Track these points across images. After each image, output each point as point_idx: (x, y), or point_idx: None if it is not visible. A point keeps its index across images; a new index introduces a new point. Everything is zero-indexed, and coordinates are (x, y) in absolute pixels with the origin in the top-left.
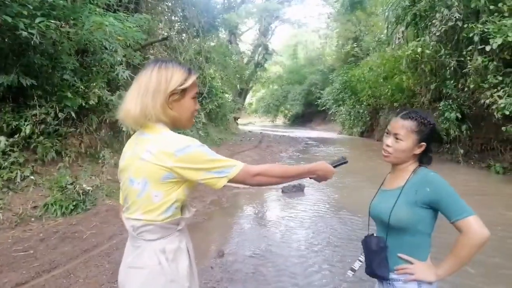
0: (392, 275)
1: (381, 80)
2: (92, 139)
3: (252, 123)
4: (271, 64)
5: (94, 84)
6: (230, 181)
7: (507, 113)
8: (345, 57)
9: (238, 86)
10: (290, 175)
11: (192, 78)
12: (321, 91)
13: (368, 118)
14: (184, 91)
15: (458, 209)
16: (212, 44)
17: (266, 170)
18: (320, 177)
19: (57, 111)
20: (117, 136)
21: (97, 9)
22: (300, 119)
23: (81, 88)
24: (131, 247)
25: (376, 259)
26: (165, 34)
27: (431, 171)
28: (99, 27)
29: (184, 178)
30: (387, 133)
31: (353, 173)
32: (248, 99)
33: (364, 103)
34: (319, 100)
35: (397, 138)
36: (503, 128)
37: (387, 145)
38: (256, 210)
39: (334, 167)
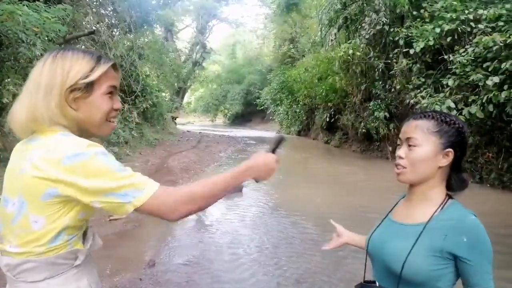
0: None
1: (316, 81)
2: (7, 141)
3: (191, 122)
4: (209, 63)
5: (8, 81)
6: (137, 210)
7: None
8: (282, 58)
9: (175, 84)
10: (222, 189)
11: (102, 68)
12: (260, 91)
13: (304, 118)
14: (91, 86)
15: (485, 280)
16: (146, 40)
17: (190, 195)
18: (261, 173)
19: None
20: None
21: None
22: (240, 119)
23: None
24: None
25: None
26: (93, 27)
27: (470, 212)
28: (11, 17)
29: (71, 198)
30: (399, 144)
31: (289, 171)
32: (186, 98)
33: (301, 103)
34: (258, 100)
35: (410, 145)
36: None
37: (400, 157)
38: (192, 215)
39: (274, 152)
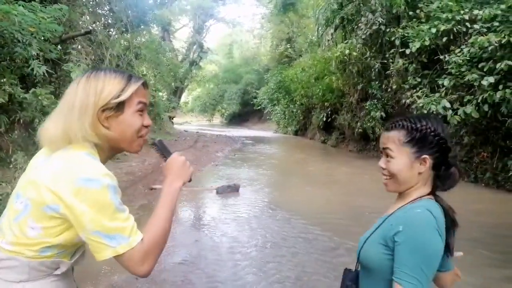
0: None
1: (313, 81)
2: (3, 141)
3: (189, 122)
4: (206, 63)
5: (4, 81)
6: (115, 257)
7: (425, 112)
8: (279, 58)
9: (172, 84)
10: (171, 217)
11: (133, 87)
12: (257, 91)
13: (301, 117)
14: (122, 104)
15: (408, 272)
16: (143, 40)
17: (154, 243)
18: (183, 177)
19: None
20: (33, 137)
21: None
22: (237, 118)
23: None
24: None
25: None
26: (89, 27)
27: (425, 206)
28: (6, 17)
29: (69, 221)
30: (381, 153)
31: (286, 172)
32: (184, 98)
33: (298, 102)
34: (255, 100)
35: (388, 155)
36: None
37: (381, 167)
38: (189, 214)
39: (168, 156)
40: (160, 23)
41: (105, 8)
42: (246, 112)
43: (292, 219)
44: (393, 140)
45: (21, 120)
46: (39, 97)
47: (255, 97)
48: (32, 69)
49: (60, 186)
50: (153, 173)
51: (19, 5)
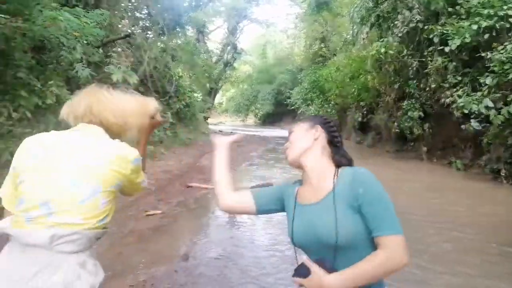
0: None
1: (348, 80)
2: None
3: (223, 122)
4: (240, 63)
5: (51, 83)
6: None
7: (466, 111)
8: (313, 57)
9: (207, 85)
10: None
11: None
12: (291, 91)
13: (336, 117)
14: None
15: (388, 223)
16: (179, 42)
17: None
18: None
19: (11, 111)
20: None
21: (52, 4)
22: (271, 119)
23: (37, 87)
24: (26, 266)
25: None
26: (128, 31)
27: (357, 167)
28: (53, 23)
29: (123, 188)
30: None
31: None
32: (218, 98)
33: (332, 102)
34: (289, 100)
35: (290, 134)
36: (463, 126)
37: (285, 148)
38: (225, 212)
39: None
40: (195, 25)
41: (143, 12)
42: (279, 112)
43: None
44: (298, 125)
45: None
46: None
47: (289, 97)
48: (77, 72)
49: (123, 168)
50: (189, 172)
51: (65, 11)
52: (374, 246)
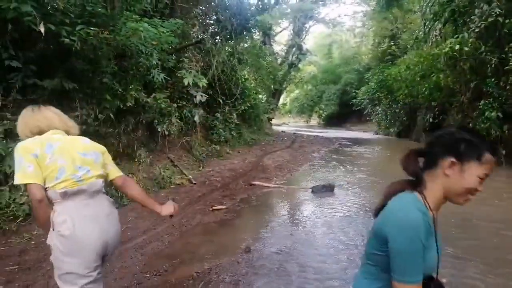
0: None
1: (418, 79)
2: (130, 139)
3: (286, 123)
4: (305, 64)
5: (131, 87)
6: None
7: None
8: (381, 56)
9: (272, 86)
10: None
11: None
12: (357, 91)
13: (405, 118)
14: None
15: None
16: (246, 45)
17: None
18: None
19: (97, 113)
20: (153, 136)
21: (134, 16)
22: (335, 119)
23: (119, 91)
24: (93, 202)
25: None
26: (199, 37)
27: (402, 200)
28: (134, 33)
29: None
30: (482, 178)
31: (385, 176)
32: (282, 99)
33: (401, 102)
34: (354, 100)
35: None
36: None
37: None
38: (285, 209)
39: None
40: (261, 28)
41: (213, 18)
42: (344, 113)
43: None
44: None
45: (144, 121)
46: (158, 101)
47: (355, 97)
48: (153, 77)
49: (100, 147)
50: (252, 171)
51: (144, 22)
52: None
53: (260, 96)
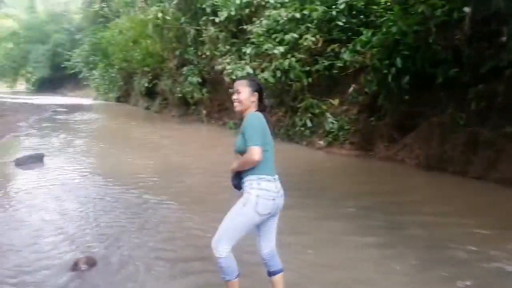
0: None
1: (131, 44)
2: None
3: None
4: (0, 17)
5: None
6: None
7: (234, 77)
8: (93, 17)
9: None
10: None
11: None
12: (69, 53)
13: (122, 83)
14: None
15: (249, 140)
16: None
17: None
18: None
19: None
20: None
21: None
22: (48, 85)
23: None
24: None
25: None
26: None
27: (252, 112)
28: None
29: None
30: (233, 93)
31: (106, 140)
32: None
33: (116, 67)
34: (67, 63)
35: (239, 92)
36: (230, 91)
37: (235, 99)
38: None
39: None
40: None
41: None
42: (59, 78)
43: (102, 183)
44: (242, 84)
45: None
46: None
47: (68, 60)
48: None
49: None
50: None
51: None
52: None
53: None
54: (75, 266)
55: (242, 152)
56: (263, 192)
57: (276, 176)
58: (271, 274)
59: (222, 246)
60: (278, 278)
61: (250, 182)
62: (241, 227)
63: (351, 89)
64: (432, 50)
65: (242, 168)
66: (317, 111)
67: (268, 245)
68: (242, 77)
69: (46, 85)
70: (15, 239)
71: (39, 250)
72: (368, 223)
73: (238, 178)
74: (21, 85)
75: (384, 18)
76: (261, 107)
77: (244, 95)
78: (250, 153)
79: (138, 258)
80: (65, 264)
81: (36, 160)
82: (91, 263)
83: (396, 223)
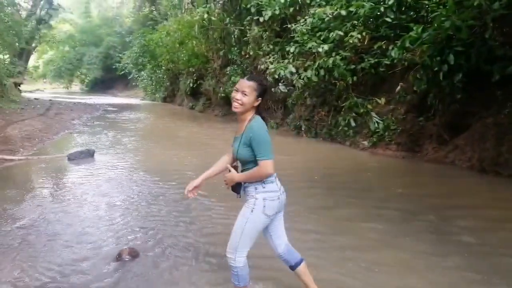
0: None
1: (178, 45)
2: None
3: (41, 90)
4: (59, 22)
5: None
6: None
7: (276, 77)
8: (143, 20)
9: (16, 45)
10: None
11: None
12: (120, 55)
13: (168, 84)
14: None
15: (261, 152)
16: None
17: None
18: None
19: None
20: None
21: None
22: (100, 85)
23: None
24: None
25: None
26: None
27: (256, 120)
28: None
29: None
30: (236, 90)
31: (151, 138)
32: (32, 61)
33: (163, 67)
34: (118, 64)
35: (244, 94)
36: (273, 90)
37: (237, 99)
38: (33, 181)
39: None
40: None
41: None
42: (110, 78)
43: (148, 179)
44: (249, 85)
45: None
46: None
47: (119, 62)
48: None
49: None
50: None
51: None
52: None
53: (1, 56)
54: (119, 257)
55: (245, 160)
56: (269, 194)
57: (275, 174)
58: (293, 267)
59: (238, 255)
60: (302, 268)
61: (256, 187)
62: (254, 232)
63: (398, 87)
64: (488, 46)
65: (251, 180)
66: (361, 110)
67: (281, 242)
68: (251, 77)
69: (98, 85)
70: (66, 229)
71: (87, 241)
72: (415, 227)
73: (238, 183)
74: (76, 86)
75: (436, 13)
76: (259, 110)
77: (249, 99)
78: (265, 167)
79: (177, 251)
80: (110, 254)
81: (87, 155)
82: (134, 254)
83: (446, 228)
